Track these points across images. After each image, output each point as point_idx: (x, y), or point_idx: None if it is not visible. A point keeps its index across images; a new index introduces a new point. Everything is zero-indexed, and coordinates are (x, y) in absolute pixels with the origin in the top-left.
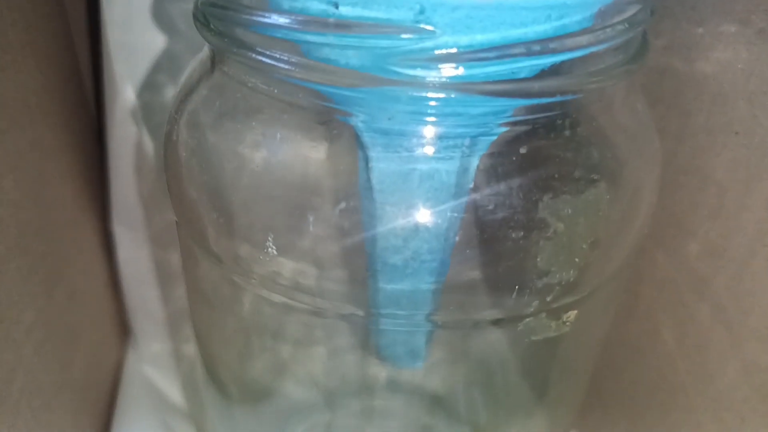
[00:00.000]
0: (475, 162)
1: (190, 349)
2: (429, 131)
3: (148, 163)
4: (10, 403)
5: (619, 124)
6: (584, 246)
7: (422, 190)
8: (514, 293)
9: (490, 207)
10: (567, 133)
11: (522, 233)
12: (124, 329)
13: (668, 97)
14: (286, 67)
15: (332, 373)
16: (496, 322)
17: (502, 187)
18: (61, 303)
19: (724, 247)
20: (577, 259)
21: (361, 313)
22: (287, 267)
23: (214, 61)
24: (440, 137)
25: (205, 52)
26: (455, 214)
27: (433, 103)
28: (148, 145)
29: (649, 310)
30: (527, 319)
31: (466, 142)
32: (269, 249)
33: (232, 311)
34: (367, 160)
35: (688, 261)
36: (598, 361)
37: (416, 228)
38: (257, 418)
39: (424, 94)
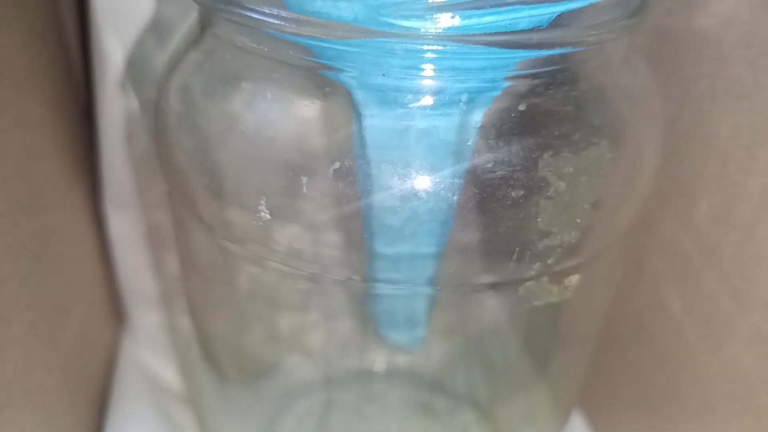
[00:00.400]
0: (476, 119)
1: (186, 327)
2: (425, 86)
3: (139, 137)
4: (3, 382)
5: (619, 83)
6: (586, 206)
7: (419, 148)
8: (515, 255)
9: (489, 165)
10: (567, 90)
11: (522, 192)
12: (116, 310)
13: (669, 63)
14: (276, 21)
15: (330, 347)
16: (497, 286)
17: (501, 144)
18: (52, 283)
19: (729, 215)
20: (578, 220)
21: (358, 278)
22: (281, 231)
23: (204, 24)
24: (437, 92)
25: (194, 16)
26: (455, 173)
27: (429, 55)
28: (140, 118)
29: (653, 282)
30: (528, 283)
31: (464, 97)
32: (262, 213)
33: (226, 281)
34: (361, 118)
35: (693, 230)
36: (601, 337)
37: (413, 187)
38: (254, 398)
39: (420, 47)
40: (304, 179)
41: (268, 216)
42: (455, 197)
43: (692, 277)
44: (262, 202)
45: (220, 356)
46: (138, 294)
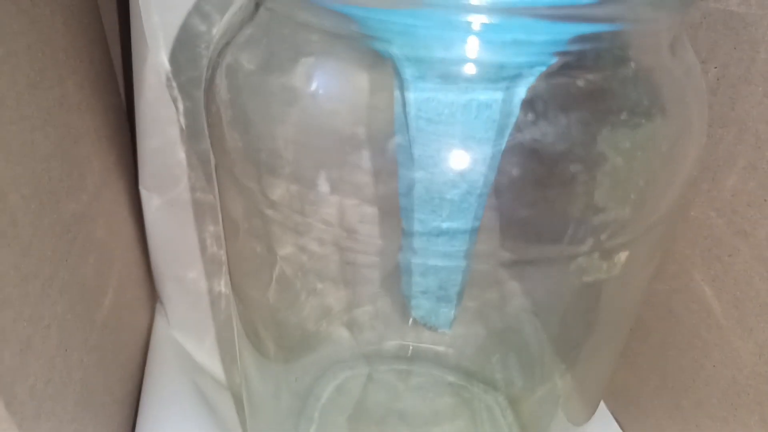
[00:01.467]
0: (523, 92)
1: (218, 314)
2: (485, 60)
3: (178, 122)
4: (46, 358)
5: (669, 62)
6: (640, 182)
7: (480, 120)
8: (570, 230)
9: (549, 140)
10: (618, 68)
11: (581, 167)
12: (152, 292)
13: (704, 50)
14: None
15: (367, 323)
16: (548, 262)
17: (560, 119)
18: (92, 263)
19: (765, 198)
20: (632, 196)
21: (407, 252)
22: (339, 205)
23: (258, 0)
24: (499, 66)
25: None
26: (502, 145)
27: (491, 28)
28: (180, 99)
29: (682, 265)
30: (579, 259)
31: (525, 71)
32: (321, 187)
33: (274, 255)
34: (413, 92)
35: (726, 213)
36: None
37: (474, 159)
38: (292, 373)
39: (484, 20)
40: (366, 153)
41: (328, 189)
42: (506, 170)
43: (724, 260)
44: (322, 175)
45: (261, 334)
46: (173, 276)
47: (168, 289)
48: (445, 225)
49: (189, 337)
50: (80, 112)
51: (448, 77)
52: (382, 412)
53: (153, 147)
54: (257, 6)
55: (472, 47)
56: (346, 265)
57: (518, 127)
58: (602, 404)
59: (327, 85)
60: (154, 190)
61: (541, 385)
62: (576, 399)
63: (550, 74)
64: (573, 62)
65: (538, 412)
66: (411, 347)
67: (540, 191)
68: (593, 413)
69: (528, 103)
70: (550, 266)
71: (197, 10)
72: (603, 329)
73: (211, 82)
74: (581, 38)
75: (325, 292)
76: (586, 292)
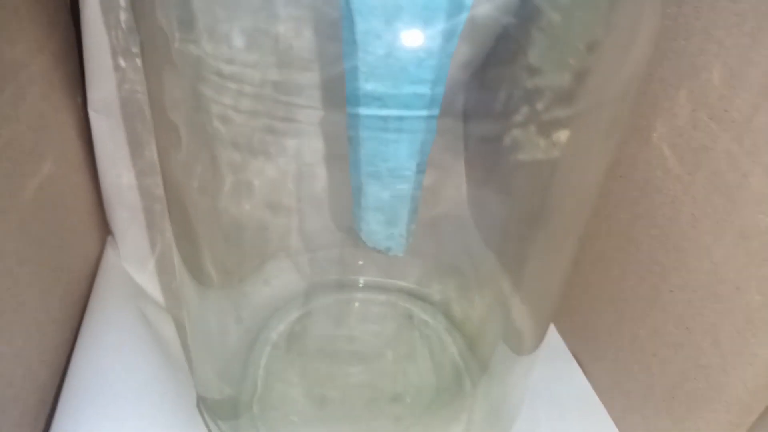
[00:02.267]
0: None
1: (166, 243)
2: None
3: (124, 39)
4: None
5: None
6: (580, 46)
7: None
8: (502, 93)
9: None
10: None
11: (513, 20)
12: (104, 226)
13: None
14: None
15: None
16: (482, 136)
17: None
18: (35, 188)
19: (725, 109)
20: (571, 61)
21: (343, 117)
22: (258, 63)
23: None
24: None
25: None
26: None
27: None
28: (125, 18)
29: (642, 191)
30: (514, 131)
31: None
32: (235, 43)
33: (201, 133)
34: None
35: (686, 130)
36: (583, 254)
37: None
38: (237, 303)
39: None
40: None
41: (244, 46)
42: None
43: (684, 179)
44: (237, 30)
45: (201, 258)
46: (119, 197)
47: (116, 215)
48: (380, 88)
49: (134, 264)
50: (18, 16)
51: None
52: (330, 342)
53: (98, 64)
54: None
55: None
56: (281, 135)
57: None
58: (561, 340)
59: None
60: (102, 111)
61: (482, 300)
62: (524, 319)
63: None
64: None
65: (484, 332)
66: (362, 280)
67: (471, 47)
68: (541, 341)
69: None
70: (483, 143)
71: None
72: (548, 231)
73: None
74: None
75: (263, 171)
76: (527, 183)
